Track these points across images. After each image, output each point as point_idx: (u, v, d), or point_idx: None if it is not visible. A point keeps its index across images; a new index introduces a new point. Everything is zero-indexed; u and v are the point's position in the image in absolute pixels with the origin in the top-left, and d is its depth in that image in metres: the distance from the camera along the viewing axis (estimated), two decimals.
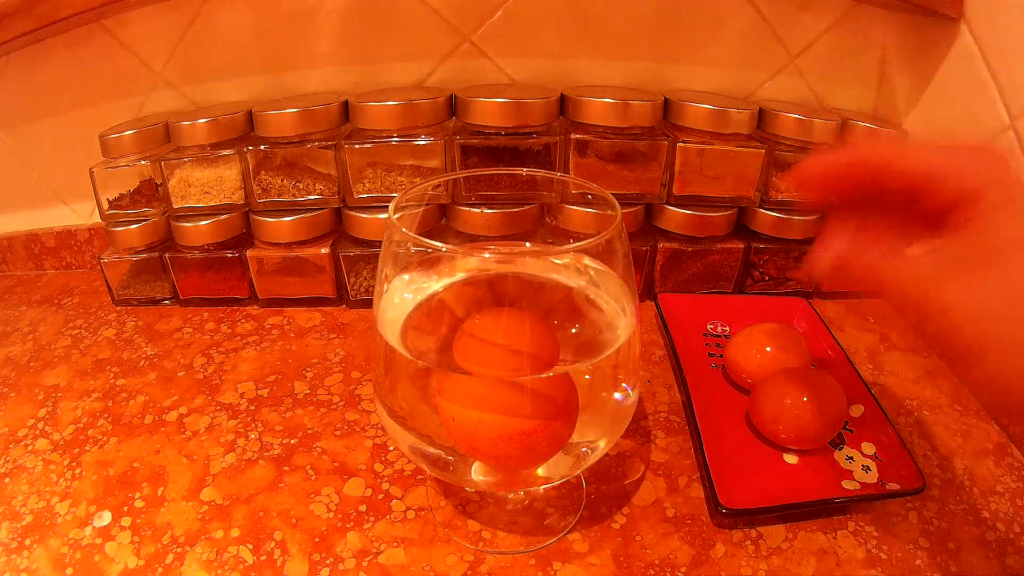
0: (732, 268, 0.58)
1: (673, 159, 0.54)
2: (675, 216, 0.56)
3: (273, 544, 0.36)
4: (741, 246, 0.57)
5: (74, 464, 0.42)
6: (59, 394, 0.48)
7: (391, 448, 0.42)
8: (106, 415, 0.46)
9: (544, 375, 0.30)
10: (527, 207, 0.54)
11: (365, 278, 0.57)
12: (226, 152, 0.54)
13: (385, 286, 0.32)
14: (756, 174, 0.55)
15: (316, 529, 0.37)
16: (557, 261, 0.36)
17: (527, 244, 0.54)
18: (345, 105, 0.55)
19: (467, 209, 0.53)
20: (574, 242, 0.29)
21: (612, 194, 0.32)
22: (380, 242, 0.35)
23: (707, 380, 0.48)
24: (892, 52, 0.58)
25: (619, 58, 0.59)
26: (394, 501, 0.39)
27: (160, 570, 0.35)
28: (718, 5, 0.57)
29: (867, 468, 0.40)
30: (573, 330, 0.35)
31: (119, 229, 0.56)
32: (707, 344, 0.52)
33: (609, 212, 0.31)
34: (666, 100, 0.55)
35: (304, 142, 0.53)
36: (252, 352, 0.52)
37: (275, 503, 0.39)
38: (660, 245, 0.57)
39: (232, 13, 0.57)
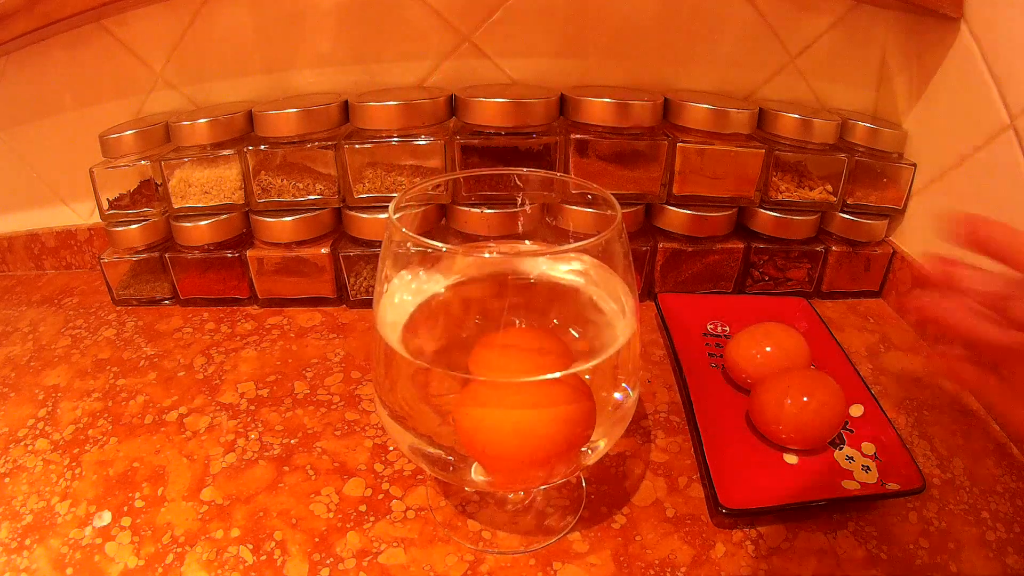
0: (732, 268, 0.58)
1: (673, 159, 0.54)
2: (675, 216, 0.56)
3: (273, 544, 0.36)
4: (741, 246, 0.57)
5: (74, 464, 0.42)
6: (59, 394, 0.48)
7: (391, 448, 0.42)
8: (106, 415, 0.46)
9: (558, 374, 0.30)
10: (527, 207, 0.53)
11: (365, 278, 0.57)
12: (226, 152, 0.54)
13: (385, 286, 0.32)
14: (756, 174, 0.55)
15: (316, 529, 0.37)
16: (557, 262, 0.36)
17: (527, 244, 0.54)
18: (345, 105, 0.55)
19: (467, 209, 0.53)
20: (574, 242, 0.29)
21: (612, 194, 0.32)
22: (380, 242, 0.35)
23: (707, 380, 0.48)
24: (892, 52, 0.58)
25: (619, 58, 0.59)
26: (394, 501, 0.39)
27: (160, 570, 0.35)
28: (718, 5, 0.57)
29: (867, 468, 0.40)
30: (573, 331, 0.35)
31: (119, 229, 0.56)
32: (707, 344, 0.52)
33: (609, 212, 0.31)
34: (666, 100, 0.55)
35: (304, 142, 0.53)
36: (252, 352, 0.52)
37: (275, 503, 0.39)
38: (660, 245, 0.57)
39: (232, 13, 0.57)
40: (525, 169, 0.53)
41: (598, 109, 0.52)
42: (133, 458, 0.42)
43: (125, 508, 0.38)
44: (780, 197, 0.56)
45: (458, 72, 0.59)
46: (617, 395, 0.33)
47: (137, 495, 0.39)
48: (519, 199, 0.53)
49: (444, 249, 0.29)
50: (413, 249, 0.31)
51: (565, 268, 0.36)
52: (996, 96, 0.47)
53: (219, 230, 0.55)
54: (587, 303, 0.35)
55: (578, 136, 0.53)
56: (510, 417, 0.29)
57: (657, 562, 0.35)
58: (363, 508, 0.38)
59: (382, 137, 0.53)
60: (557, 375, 0.30)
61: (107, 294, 0.60)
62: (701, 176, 0.55)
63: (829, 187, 0.56)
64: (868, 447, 0.41)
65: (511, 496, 0.38)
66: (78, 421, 0.45)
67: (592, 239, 0.29)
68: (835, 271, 0.59)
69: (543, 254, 0.38)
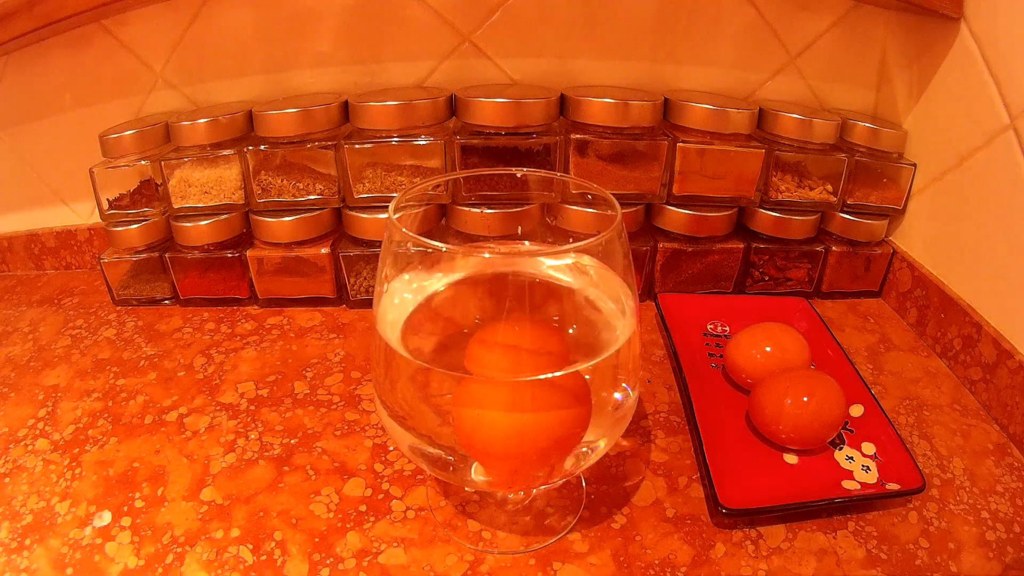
0: (732, 268, 0.58)
1: (673, 159, 0.54)
2: (675, 216, 0.56)
3: (273, 544, 0.36)
4: (741, 246, 0.57)
5: (74, 464, 0.42)
6: (59, 394, 0.48)
7: (391, 448, 0.42)
8: (106, 415, 0.46)
9: (558, 373, 0.30)
10: (527, 207, 0.54)
11: (365, 278, 0.57)
12: (226, 152, 0.54)
13: (385, 286, 0.32)
14: (756, 174, 0.55)
15: (316, 529, 0.37)
16: (557, 261, 0.36)
17: (527, 244, 0.54)
18: (345, 105, 0.55)
19: (467, 209, 0.53)
20: (574, 242, 0.29)
21: (612, 194, 0.32)
22: (380, 242, 0.35)
23: (707, 380, 0.48)
24: (892, 52, 0.58)
25: (619, 58, 0.59)
26: (394, 501, 0.39)
27: (160, 570, 0.35)
28: (718, 5, 0.57)
29: (867, 468, 0.40)
30: (573, 330, 0.35)
31: (119, 229, 0.56)
32: (707, 344, 0.52)
33: (609, 212, 0.31)
34: (666, 100, 0.55)
35: (304, 142, 0.53)
36: (252, 352, 0.52)
37: (275, 503, 0.39)
38: (660, 245, 0.57)
39: (232, 13, 0.57)
40: (525, 169, 0.53)
41: (598, 109, 0.52)
42: (133, 458, 0.42)
43: (125, 508, 0.38)
44: (780, 197, 0.56)
45: (458, 72, 0.59)
46: (617, 395, 0.33)
47: (137, 495, 0.39)
48: (519, 199, 0.53)
49: (444, 249, 0.29)
50: (413, 249, 0.31)
51: (565, 268, 0.36)
52: (996, 96, 0.47)
53: (219, 230, 0.55)
54: (587, 303, 0.35)
55: (578, 136, 0.53)
56: (510, 417, 0.29)
57: (657, 562, 0.35)
58: (363, 508, 0.38)
59: (382, 137, 0.53)
60: (557, 374, 0.30)
61: (107, 294, 0.60)
62: (701, 176, 0.55)
63: (829, 187, 0.56)
64: (868, 447, 0.41)
65: (511, 496, 0.38)
66: (78, 421, 0.45)
67: (592, 239, 0.29)
68: (835, 271, 0.59)
69: (543, 254, 0.38)
